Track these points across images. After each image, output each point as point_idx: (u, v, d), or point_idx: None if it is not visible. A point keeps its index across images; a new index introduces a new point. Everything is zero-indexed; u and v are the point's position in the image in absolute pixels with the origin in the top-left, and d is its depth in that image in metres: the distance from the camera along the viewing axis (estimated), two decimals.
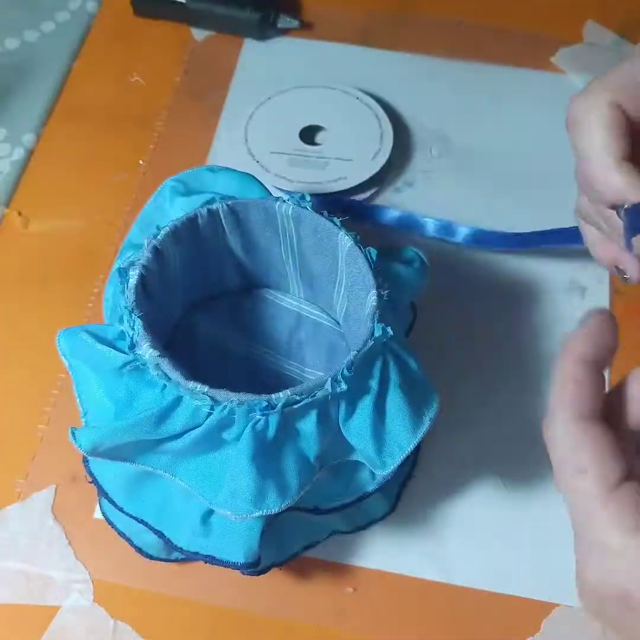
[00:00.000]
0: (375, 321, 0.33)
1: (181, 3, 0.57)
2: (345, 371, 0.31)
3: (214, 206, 0.37)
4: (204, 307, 0.43)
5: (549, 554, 0.40)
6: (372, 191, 0.51)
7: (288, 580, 0.40)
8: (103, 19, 0.60)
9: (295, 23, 0.58)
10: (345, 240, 0.36)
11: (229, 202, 0.37)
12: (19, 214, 0.51)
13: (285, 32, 0.59)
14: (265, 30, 0.58)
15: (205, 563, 0.34)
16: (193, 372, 0.32)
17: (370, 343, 0.32)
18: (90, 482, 0.36)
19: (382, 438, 0.32)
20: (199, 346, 0.42)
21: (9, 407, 0.44)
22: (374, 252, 0.35)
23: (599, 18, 0.60)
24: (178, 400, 0.31)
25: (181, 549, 0.35)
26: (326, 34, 0.59)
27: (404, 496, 0.41)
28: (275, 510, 0.30)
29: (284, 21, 0.58)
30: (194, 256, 0.39)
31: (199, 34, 0.59)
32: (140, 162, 0.53)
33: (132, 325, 0.33)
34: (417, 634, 0.39)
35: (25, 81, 0.56)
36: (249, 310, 0.43)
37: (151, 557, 0.38)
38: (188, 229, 0.37)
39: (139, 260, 0.36)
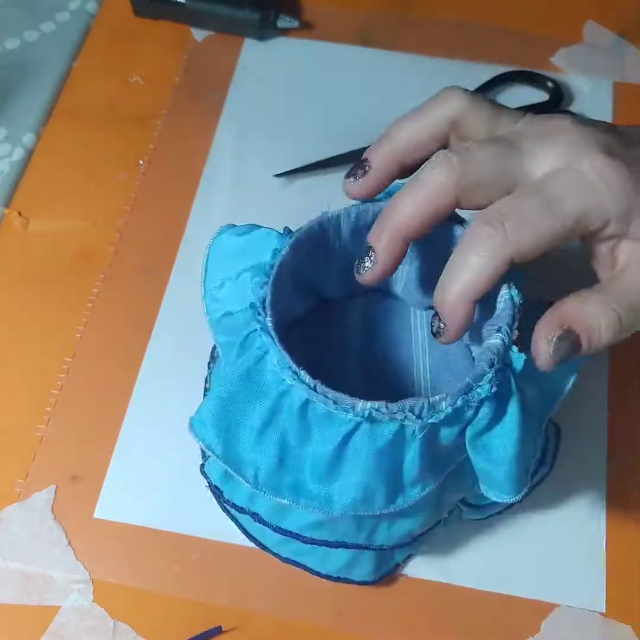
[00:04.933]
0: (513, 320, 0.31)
1: (181, 3, 0.57)
2: (490, 375, 0.30)
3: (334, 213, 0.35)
4: (327, 307, 0.41)
5: (549, 554, 0.40)
6: None
7: (288, 580, 0.40)
8: (103, 19, 0.60)
9: (295, 23, 0.58)
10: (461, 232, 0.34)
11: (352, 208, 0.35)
12: (19, 214, 0.51)
13: (285, 32, 0.59)
14: (265, 30, 0.58)
15: None
16: (304, 364, 0.30)
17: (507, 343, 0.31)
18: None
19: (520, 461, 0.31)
20: (313, 342, 0.40)
21: (9, 407, 0.44)
22: None
23: (599, 18, 0.60)
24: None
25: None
26: (326, 34, 0.59)
27: None
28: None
29: (284, 21, 0.58)
30: (320, 260, 0.37)
31: (199, 34, 0.59)
32: (140, 161, 0.53)
33: (263, 322, 0.31)
34: (416, 634, 0.39)
35: (25, 81, 0.56)
36: (370, 309, 0.41)
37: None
38: (317, 233, 0.35)
39: (279, 255, 0.33)
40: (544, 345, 0.30)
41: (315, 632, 0.39)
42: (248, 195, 0.52)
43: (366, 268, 0.33)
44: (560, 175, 0.30)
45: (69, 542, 0.40)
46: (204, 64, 0.57)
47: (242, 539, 0.40)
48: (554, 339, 0.30)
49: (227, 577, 0.40)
